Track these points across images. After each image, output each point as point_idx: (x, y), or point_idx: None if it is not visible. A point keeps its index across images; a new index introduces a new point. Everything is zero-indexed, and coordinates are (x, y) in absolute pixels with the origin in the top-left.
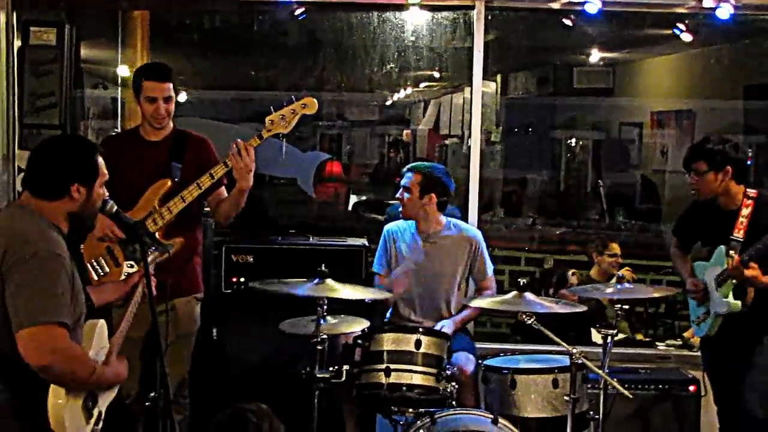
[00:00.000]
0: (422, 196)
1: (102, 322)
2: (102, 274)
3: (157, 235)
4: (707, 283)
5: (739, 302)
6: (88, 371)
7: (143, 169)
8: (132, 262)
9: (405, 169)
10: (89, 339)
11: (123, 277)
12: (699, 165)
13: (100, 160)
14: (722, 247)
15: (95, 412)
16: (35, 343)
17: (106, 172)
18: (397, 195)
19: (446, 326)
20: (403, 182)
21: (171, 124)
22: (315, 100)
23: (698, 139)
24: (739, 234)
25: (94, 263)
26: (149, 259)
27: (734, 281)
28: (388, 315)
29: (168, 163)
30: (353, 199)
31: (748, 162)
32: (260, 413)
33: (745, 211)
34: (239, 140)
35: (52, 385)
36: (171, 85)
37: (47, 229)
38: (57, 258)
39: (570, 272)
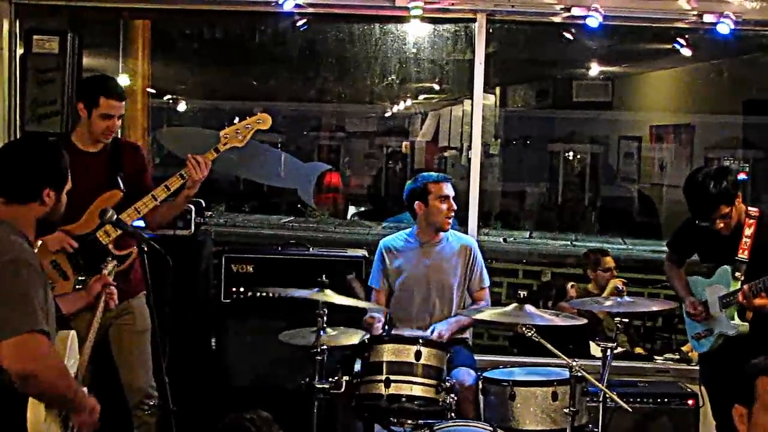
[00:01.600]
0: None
1: (73, 333)
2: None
3: (109, 246)
4: (707, 301)
5: (747, 324)
6: (69, 383)
7: (83, 181)
8: (82, 275)
9: (446, 179)
10: (63, 350)
11: (74, 289)
12: (722, 210)
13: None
14: (728, 268)
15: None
16: (19, 351)
17: (70, 178)
18: (445, 207)
19: (440, 327)
20: (450, 192)
21: None
22: (269, 116)
23: (697, 153)
24: (743, 255)
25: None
26: (109, 269)
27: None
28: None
29: (109, 174)
30: (352, 209)
31: (745, 177)
32: (261, 421)
33: (748, 231)
34: (197, 155)
35: (30, 402)
36: (124, 103)
37: (17, 237)
38: (30, 266)
39: (569, 285)
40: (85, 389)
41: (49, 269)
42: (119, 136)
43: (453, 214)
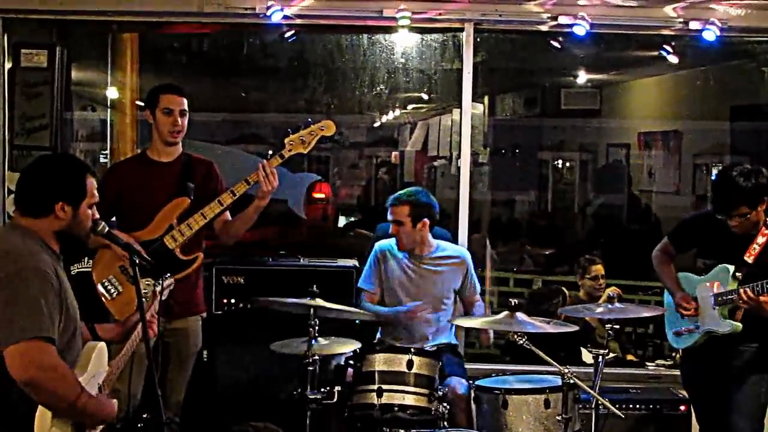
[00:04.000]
0: (415, 224)
1: (102, 344)
2: (116, 293)
3: (176, 251)
4: (698, 299)
5: (740, 325)
6: (73, 392)
7: (155, 190)
8: (149, 279)
9: (389, 204)
10: (87, 360)
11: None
12: (743, 209)
13: (91, 181)
14: (729, 267)
15: None
16: (22, 358)
17: (96, 194)
18: (390, 230)
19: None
20: (392, 217)
21: (180, 146)
22: (333, 123)
23: (685, 160)
24: (749, 258)
25: (106, 283)
26: (165, 285)
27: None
28: (378, 335)
29: (179, 183)
30: (342, 220)
31: None
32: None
33: (761, 240)
34: (266, 162)
35: (39, 408)
36: (186, 102)
37: (35, 246)
38: (44, 275)
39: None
40: (100, 395)
41: (117, 274)
42: (109, 148)
43: (397, 238)
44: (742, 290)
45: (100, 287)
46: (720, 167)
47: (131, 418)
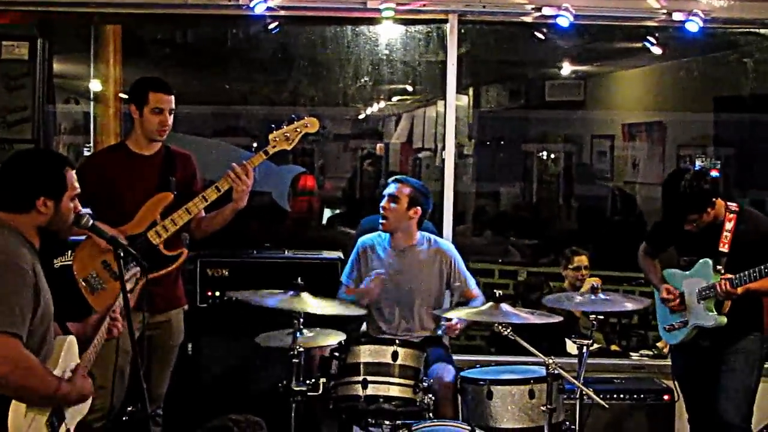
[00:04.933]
0: (409, 207)
1: (71, 338)
2: (99, 288)
3: (160, 247)
4: (685, 293)
5: (724, 318)
6: (47, 385)
7: (136, 183)
8: (134, 272)
9: (392, 180)
10: (58, 353)
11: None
12: (692, 217)
13: (71, 174)
14: (709, 261)
15: (62, 430)
16: None
17: (77, 186)
18: (383, 203)
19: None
20: (389, 191)
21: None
22: (316, 119)
23: (669, 151)
24: (724, 248)
25: (90, 278)
26: (130, 274)
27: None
28: (364, 327)
29: (162, 178)
30: (327, 213)
31: (717, 174)
32: (247, 424)
33: (729, 225)
34: (241, 164)
35: (13, 401)
36: (174, 99)
37: (13, 240)
38: (18, 270)
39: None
40: (75, 377)
41: (99, 269)
42: (92, 141)
43: (384, 213)
44: (718, 285)
45: (82, 282)
46: (680, 168)
47: (117, 412)
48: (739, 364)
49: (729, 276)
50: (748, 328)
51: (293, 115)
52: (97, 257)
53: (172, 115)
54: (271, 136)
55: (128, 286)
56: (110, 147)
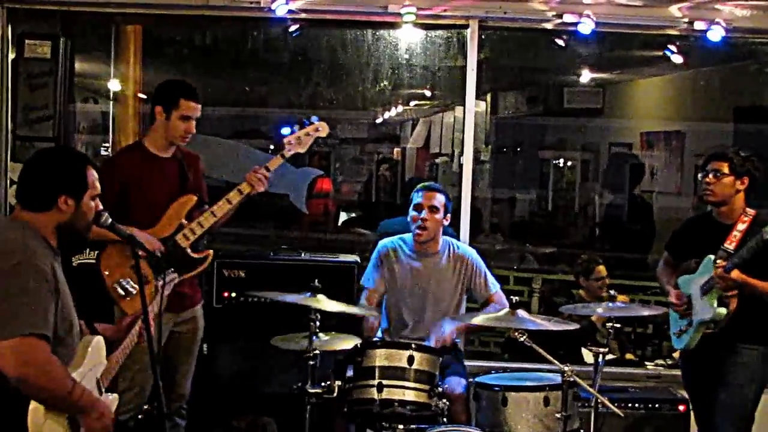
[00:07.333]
0: (445, 215)
1: (99, 338)
2: (134, 291)
3: (187, 249)
4: (692, 295)
5: (723, 309)
6: (64, 388)
7: (160, 185)
8: (171, 277)
9: (424, 189)
10: (83, 354)
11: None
12: (721, 165)
13: (92, 172)
14: (710, 257)
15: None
16: (14, 354)
17: (98, 185)
18: (423, 215)
19: (447, 326)
20: (429, 202)
21: None
22: (327, 125)
23: (687, 160)
24: (730, 245)
25: (123, 283)
26: (170, 278)
27: (719, 289)
28: (379, 332)
29: (182, 179)
30: (343, 216)
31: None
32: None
33: (741, 226)
34: (262, 167)
35: (32, 402)
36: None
37: (33, 241)
38: (39, 270)
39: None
40: (97, 392)
41: (129, 273)
42: (111, 141)
43: (425, 224)
44: (714, 271)
45: (117, 287)
46: None
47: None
48: (739, 379)
49: (723, 263)
50: (751, 338)
51: (305, 120)
52: (126, 262)
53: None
54: (286, 140)
55: (166, 291)
56: (129, 147)
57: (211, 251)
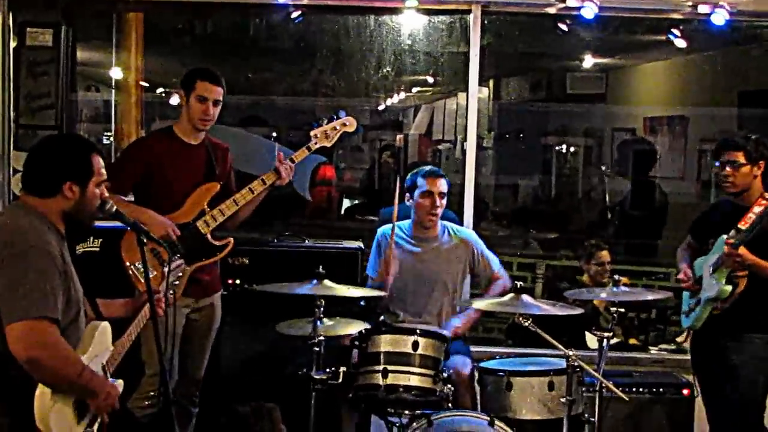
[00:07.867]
0: (448, 200)
1: (105, 324)
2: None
3: (207, 236)
4: (703, 274)
5: (729, 287)
6: (74, 371)
7: (186, 171)
8: (178, 263)
9: (432, 174)
10: (89, 340)
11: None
12: (737, 156)
13: (97, 159)
14: (723, 236)
15: (89, 413)
16: (25, 336)
17: (103, 171)
18: (437, 202)
19: (455, 323)
20: (437, 189)
21: None
22: (354, 119)
23: (691, 145)
24: (743, 225)
25: (138, 265)
26: (176, 264)
27: (728, 268)
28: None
29: (208, 167)
30: (346, 203)
31: None
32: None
33: (757, 209)
34: (287, 159)
35: (39, 385)
36: (222, 91)
37: (41, 226)
38: (49, 255)
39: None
40: (103, 375)
41: (149, 256)
42: (113, 129)
43: (437, 211)
44: (724, 248)
45: (132, 268)
46: None
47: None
48: (748, 368)
49: (732, 240)
50: (757, 326)
51: (334, 115)
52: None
53: (219, 108)
54: (312, 133)
55: (172, 277)
56: (160, 130)
57: (231, 239)
